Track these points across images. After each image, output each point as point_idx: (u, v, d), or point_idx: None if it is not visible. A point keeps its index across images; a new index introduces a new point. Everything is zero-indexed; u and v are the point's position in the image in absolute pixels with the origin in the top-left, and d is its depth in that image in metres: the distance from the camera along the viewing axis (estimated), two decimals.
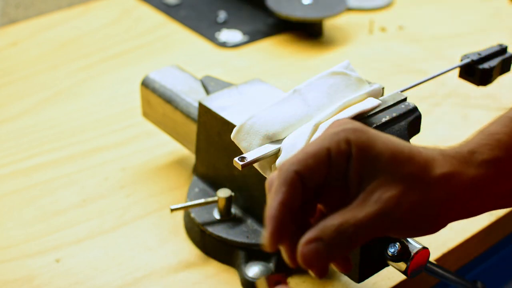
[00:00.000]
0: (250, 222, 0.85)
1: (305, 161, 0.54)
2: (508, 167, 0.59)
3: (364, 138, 0.55)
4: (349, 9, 1.42)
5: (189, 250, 0.88)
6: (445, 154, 0.57)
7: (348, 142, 0.55)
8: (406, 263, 0.72)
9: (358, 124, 0.56)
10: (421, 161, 0.55)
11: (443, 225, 0.57)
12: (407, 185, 0.54)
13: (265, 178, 0.71)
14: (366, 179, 0.54)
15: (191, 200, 0.89)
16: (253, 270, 0.82)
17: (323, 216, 0.56)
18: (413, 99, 0.74)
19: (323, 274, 0.55)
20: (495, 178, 0.58)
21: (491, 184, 0.58)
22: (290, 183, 0.54)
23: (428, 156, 0.56)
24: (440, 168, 0.56)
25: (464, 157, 0.58)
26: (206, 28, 1.37)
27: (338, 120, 0.57)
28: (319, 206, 0.58)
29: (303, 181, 0.54)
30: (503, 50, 0.87)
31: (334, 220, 0.53)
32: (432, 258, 0.86)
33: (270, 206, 0.54)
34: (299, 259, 0.53)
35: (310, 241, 0.53)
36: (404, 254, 0.72)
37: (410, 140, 0.75)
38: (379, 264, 0.74)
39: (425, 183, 0.55)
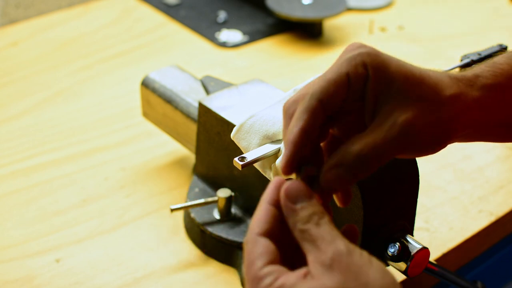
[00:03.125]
0: (250, 222, 0.85)
1: (327, 88, 0.56)
2: (508, 94, 0.61)
3: (379, 61, 0.57)
4: (349, 9, 1.42)
5: (189, 250, 0.88)
6: (452, 77, 0.60)
7: (364, 65, 0.57)
8: (406, 263, 0.72)
9: (370, 47, 0.58)
10: (431, 83, 0.58)
11: (446, 144, 0.59)
12: (420, 107, 0.56)
13: (265, 178, 0.71)
14: (382, 101, 0.57)
15: (191, 200, 0.89)
16: None
17: (336, 140, 0.60)
18: None
19: (347, 200, 0.59)
20: (496, 102, 0.61)
21: (492, 108, 0.60)
22: (312, 111, 0.56)
23: (437, 78, 0.59)
24: (449, 90, 0.58)
25: (469, 79, 0.60)
26: (206, 28, 1.37)
27: (351, 44, 0.59)
28: (331, 130, 0.61)
29: (323, 108, 0.56)
30: (503, 50, 0.87)
31: (354, 146, 0.55)
32: (432, 258, 0.86)
33: (290, 131, 0.56)
34: (323, 184, 0.55)
35: (332, 167, 0.55)
36: (404, 254, 0.72)
37: None
38: None
39: (436, 104, 0.57)
